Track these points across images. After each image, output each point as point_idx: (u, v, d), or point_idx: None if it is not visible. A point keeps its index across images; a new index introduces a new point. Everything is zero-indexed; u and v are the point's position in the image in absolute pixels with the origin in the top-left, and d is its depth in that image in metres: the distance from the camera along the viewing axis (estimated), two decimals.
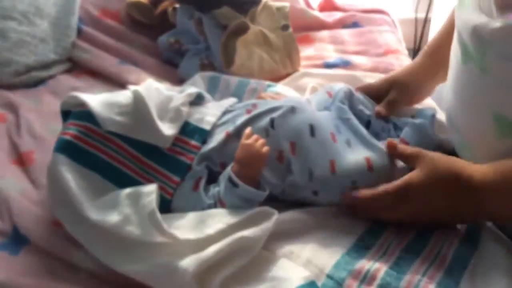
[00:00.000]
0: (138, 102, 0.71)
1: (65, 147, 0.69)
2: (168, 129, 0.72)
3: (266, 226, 0.64)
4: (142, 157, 0.71)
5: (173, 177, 0.70)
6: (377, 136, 0.78)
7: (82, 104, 0.71)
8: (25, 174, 0.80)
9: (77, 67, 1.09)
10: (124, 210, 0.64)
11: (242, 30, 1.02)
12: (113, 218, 0.63)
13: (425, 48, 0.87)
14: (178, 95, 0.77)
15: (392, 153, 0.71)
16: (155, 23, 1.14)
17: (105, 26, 1.15)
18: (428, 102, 0.91)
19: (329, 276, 0.62)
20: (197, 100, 0.80)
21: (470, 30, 0.63)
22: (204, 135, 0.74)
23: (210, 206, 0.67)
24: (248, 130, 0.70)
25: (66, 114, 0.75)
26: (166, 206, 0.69)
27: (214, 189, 0.68)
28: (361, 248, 0.66)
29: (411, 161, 0.68)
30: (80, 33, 1.12)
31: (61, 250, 0.67)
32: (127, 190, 0.66)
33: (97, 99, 0.71)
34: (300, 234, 0.67)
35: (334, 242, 0.66)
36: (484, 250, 0.65)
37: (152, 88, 0.75)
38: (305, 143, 0.71)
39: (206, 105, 0.80)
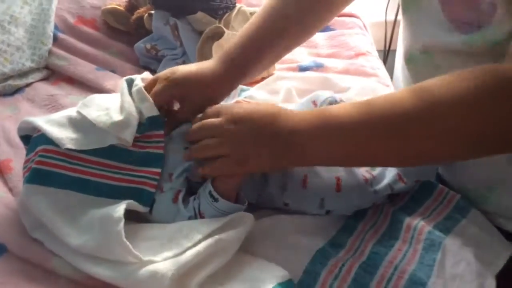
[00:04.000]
0: (83, 118, 0.69)
1: (33, 177, 0.67)
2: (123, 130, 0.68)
3: (243, 228, 0.65)
4: (111, 162, 0.69)
5: (152, 170, 0.69)
6: None
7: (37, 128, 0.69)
8: (3, 182, 0.80)
9: (54, 74, 1.10)
10: (97, 237, 0.63)
11: (217, 35, 1.03)
12: (90, 243, 0.63)
13: (221, 57, 0.78)
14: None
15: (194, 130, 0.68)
16: (132, 29, 1.15)
17: (81, 33, 1.15)
18: None
19: (306, 272, 0.64)
20: None
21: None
22: (159, 120, 0.71)
23: (190, 218, 0.67)
24: None
25: (27, 138, 0.74)
26: (149, 198, 0.68)
27: (194, 202, 0.68)
28: (335, 245, 0.68)
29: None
30: (56, 40, 1.12)
31: (39, 257, 0.67)
32: (98, 214, 0.64)
33: (50, 120, 0.70)
34: (278, 233, 0.69)
35: (310, 241, 0.68)
36: (454, 240, 0.67)
37: (94, 100, 0.73)
38: None
39: None
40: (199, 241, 0.63)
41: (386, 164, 0.68)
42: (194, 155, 0.67)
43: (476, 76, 0.56)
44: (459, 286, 0.62)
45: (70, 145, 0.66)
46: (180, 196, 0.69)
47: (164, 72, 0.75)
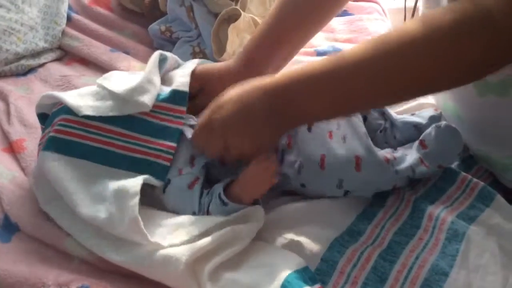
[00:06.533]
0: (103, 88, 0.71)
1: (50, 144, 0.67)
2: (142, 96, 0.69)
3: (255, 223, 0.64)
4: (128, 132, 0.69)
5: (168, 143, 0.68)
6: (373, 133, 0.76)
7: (57, 103, 0.70)
8: (16, 162, 0.79)
9: (67, 55, 1.08)
10: (110, 208, 0.62)
11: (233, 17, 1.01)
12: (101, 214, 0.62)
13: (240, 54, 0.79)
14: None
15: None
16: (146, 11, 1.13)
17: (95, 14, 1.14)
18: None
19: (323, 260, 0.62)
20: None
21: None
22: (185, 97, 0.72)
23: (199, 211, 0.66)
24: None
25: (43, 117, 0.74)
26: (164, 172, 0.67)
27: (205, 198, 0.66)
28: (354, 233, 0.66)
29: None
30: (70, 21, 1.11)
31: (52, 237, 0.67)
32: (114, 186, 0.64)
33: (70, 93, 0.71)
34: (295, 221, 0.67)
35: (329, 227, 0.66)
36: (478, 230, 0.65)
37: (114, 74, 0.75)
38: (301, 137, 0.69)
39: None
40: (212, 230, 0.61)
41: (393, 99, 0.64)
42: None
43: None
44: (482, 277, 0.60)
45: (88, 112, 0.67)
46: (197, 185, 0.67)
47: None
